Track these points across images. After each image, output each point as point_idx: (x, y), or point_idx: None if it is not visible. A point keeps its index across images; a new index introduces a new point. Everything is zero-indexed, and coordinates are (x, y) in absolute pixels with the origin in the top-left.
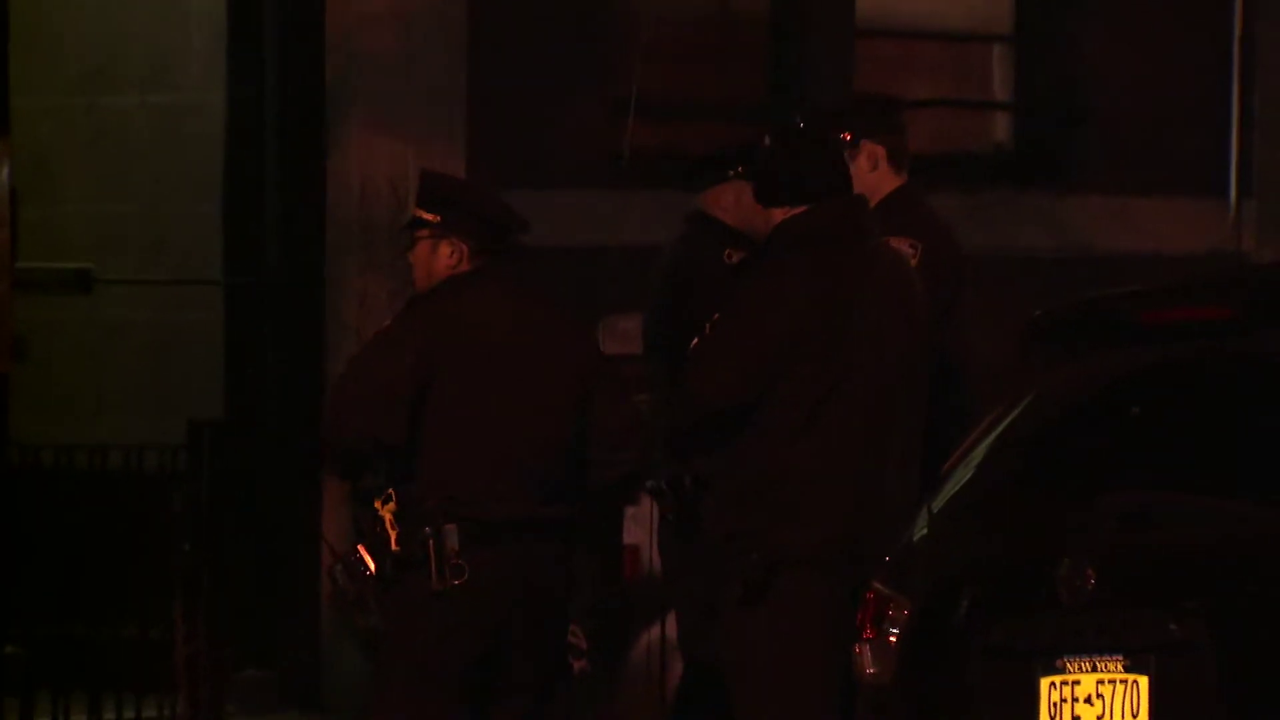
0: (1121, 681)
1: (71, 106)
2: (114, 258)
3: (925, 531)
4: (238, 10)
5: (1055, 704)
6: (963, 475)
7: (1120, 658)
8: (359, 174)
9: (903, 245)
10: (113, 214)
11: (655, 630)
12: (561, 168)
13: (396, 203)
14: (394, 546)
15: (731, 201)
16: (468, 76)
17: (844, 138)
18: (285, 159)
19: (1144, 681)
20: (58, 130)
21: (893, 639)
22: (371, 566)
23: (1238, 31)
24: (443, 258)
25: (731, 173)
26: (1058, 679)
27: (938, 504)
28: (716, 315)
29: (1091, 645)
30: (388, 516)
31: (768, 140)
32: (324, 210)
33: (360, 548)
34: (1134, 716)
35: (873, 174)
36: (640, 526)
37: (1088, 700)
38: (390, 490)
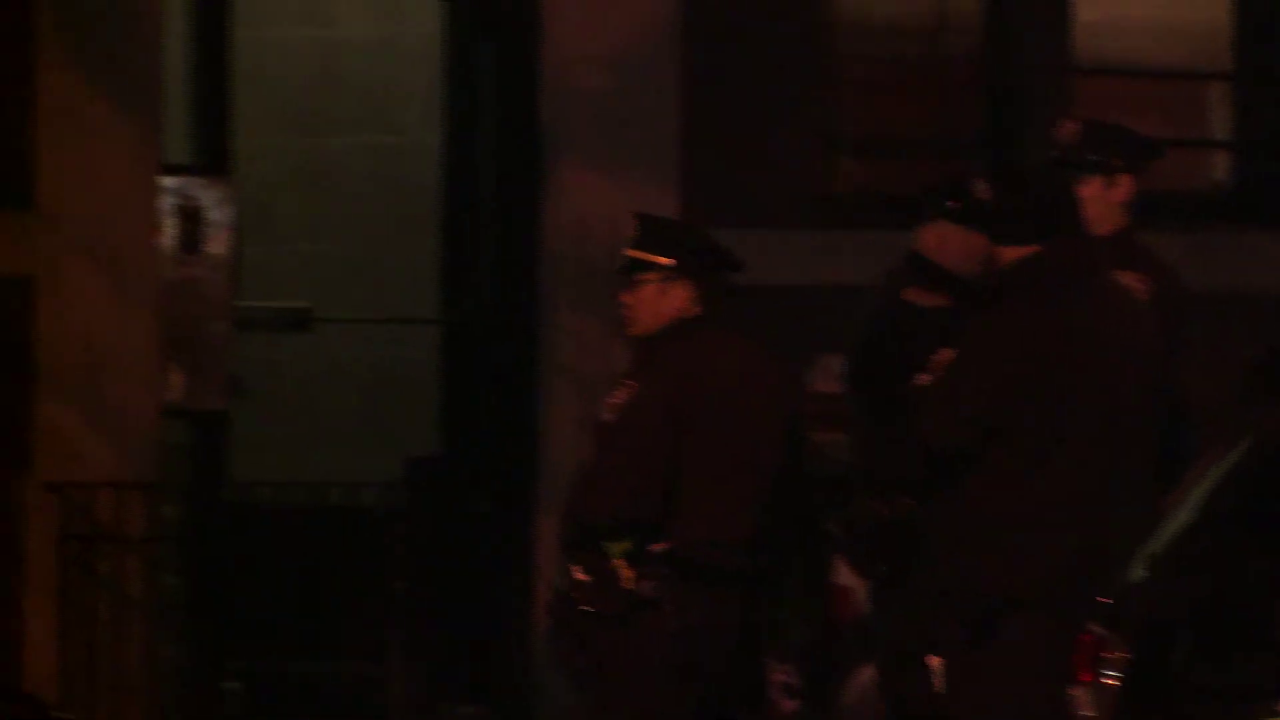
0: None
1: (291, 148)
2: (332, 297)
3: (1143, 573)
4: (454, 52)
5: None
6: (1181, 516)
7: None
8: (574, 214)
9: (1132, 281)
10: (331, 254)
11: (866, 671)
12: (772, 207)
13: (611, 242)
14: (625, 586)
15: (935, 241)
16: (680, 117)
17: (1114, 162)
18: (500, 199)
19: None
20: (278, 171)
21: (1110, 682)
22: (592, 605)
23: None
24: (674, 300)
25: (935, 212)
26: None
27: (1156, 545)
28: (947, 353)
29: None
30: (621, 558)
31: (995, 177)
32: (539, 250)
33: (581, 585)
34: None
35: (1109, 207)
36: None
37: None
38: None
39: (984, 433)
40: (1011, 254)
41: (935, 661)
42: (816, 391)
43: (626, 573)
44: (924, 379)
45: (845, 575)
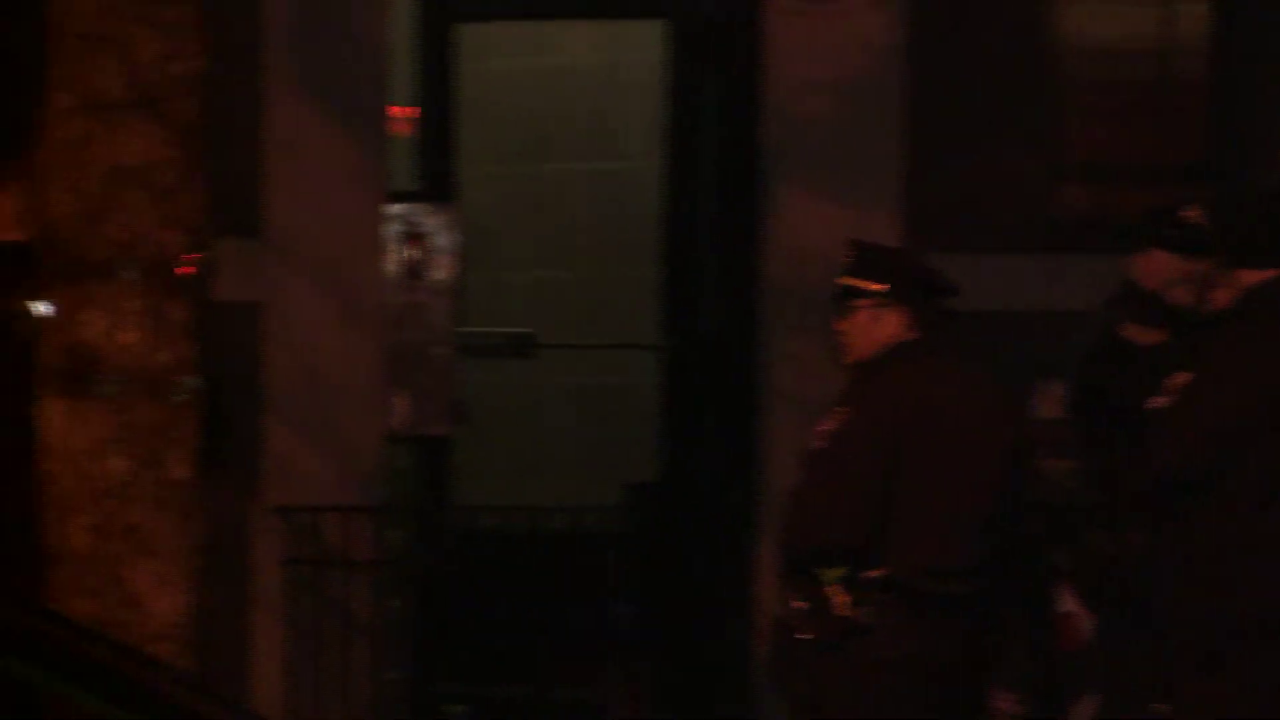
0: None
1: (515, 174)
2: (554, 322)
3: None
4: (676, 79)
5: None
6: None
7: None
8: (795, 239)
9: None
10: (553, 279)
11: (1090, 701)
12: (997, 232)
13: (832, 268)
14: (841, 613)
15: (1150, 269)
16: (903, 142)
17: None
18: (721, 224)
19: None
20: (502, 197)
21: None
22: (808, 632)
23: None
24: (889, 326)
25: (1150, 239)
26: None
27: None
28: (1183, 376)
29: None
30: (835, 584)
31: (1229, 202)
32: (759, 275)
33: (797, 611)
34: None
35: None
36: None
37: None
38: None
39: (1219, 457)
40: (1250, 278)
41: (1163, 709)
42: (1040, 418)
43: (840, 599)
44: (1159, 402)
45: (1071, 604)
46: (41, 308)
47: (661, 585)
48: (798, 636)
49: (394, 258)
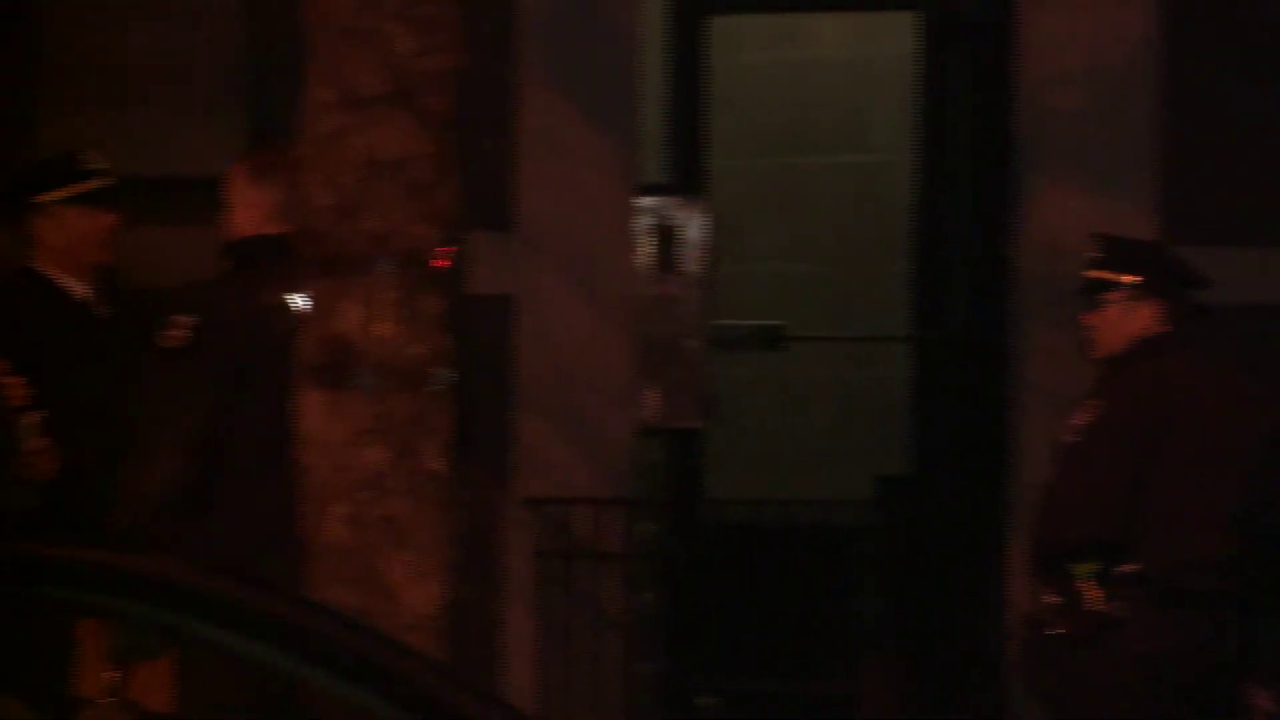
0: None
1: (765, 167)
2: (804, 315)
3: None
4: (928, 71)
5: None
6: None
7: None
8: (1047, 231)
9: None
10: (803, 272)
11: None
12: (1255, 224)
13: (1086, 260)
14: (1093, 608)
15: None
16: (1159, 133)
17: None
18: (973, 217)
19: None
20: (751, 190)
21: None
22: (1059, 627)
23: None
24: (1141, 319)
25: None
26: None
27: None
28: None
29: None
30: (1087, 579)
31: None
32: (1011, 267)
33: (1049, 607)
34: None
35: None
36: None
37: None
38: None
39: None
40: None
41: None
42: None
43: (1093, 594)
44: None
45: None
46: (299, 301)
47: (911, 580)
48: (1049, 632)
49: (645, 250)
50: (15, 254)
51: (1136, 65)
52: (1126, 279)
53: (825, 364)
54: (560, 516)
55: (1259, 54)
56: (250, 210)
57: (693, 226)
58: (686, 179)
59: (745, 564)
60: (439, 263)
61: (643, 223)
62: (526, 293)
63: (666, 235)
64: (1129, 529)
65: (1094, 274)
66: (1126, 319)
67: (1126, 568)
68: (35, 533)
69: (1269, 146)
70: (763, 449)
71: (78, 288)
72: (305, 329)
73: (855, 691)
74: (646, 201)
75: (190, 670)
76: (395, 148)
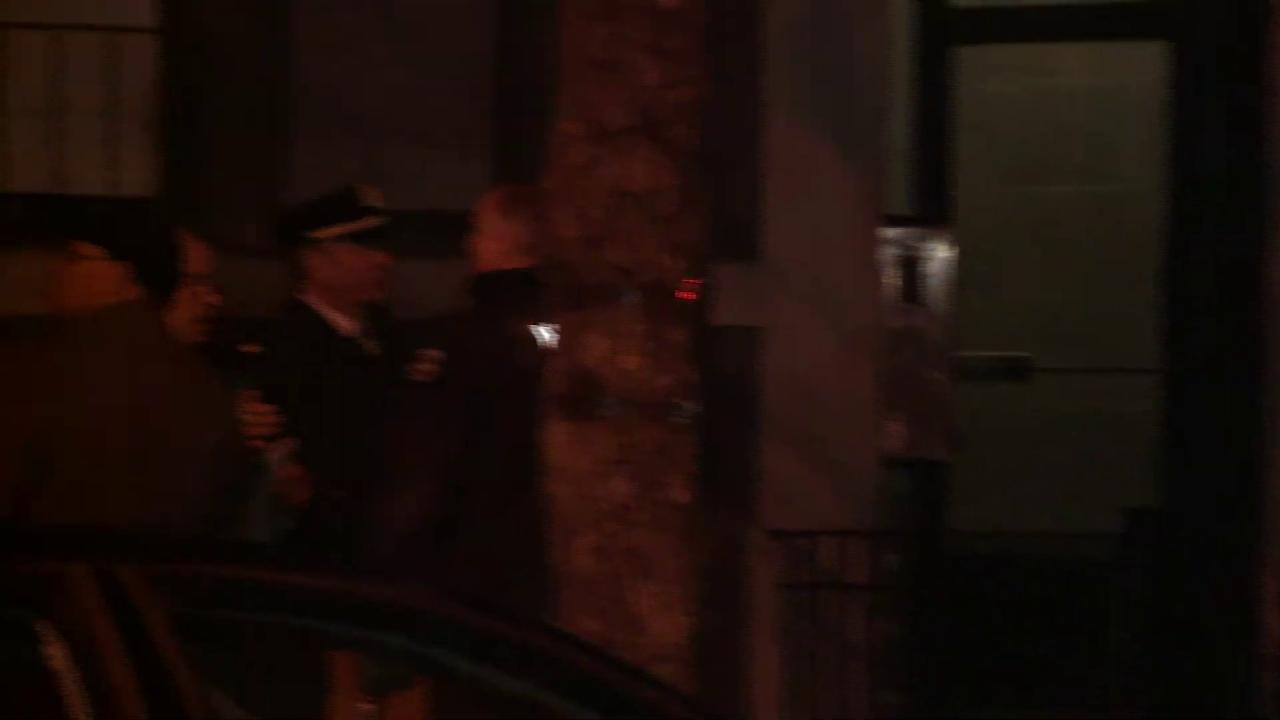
0: None
1: (1011, 197)
2: (1051, 346)
3: None
4: (1178, 101)
5: None
6: None
7: None
8: None
9: None
10: (1051, 303)
11: None
12: None
13: None
14: None
15: None
16: None
17: None
18: (1222, 245)
19: None
20: (998, 220)
21: None
22: None
23: None
24: None
25: None
26: None
27: None
28: None
29: None
30: None
31: None
32: (1262, 298)
33: None
34: None
35: None
36: None
37: None
38: None
39: None
40: None
41: None
42: None
43: None
44: None
45: None
46: (545, 333)
47: (1160, 612)
48: None
49: (890, 281)
50: (288, 286)
51: None
52: None
53: (1072, 395)
54: (805, 548)
55: None
56: (498, 243)
57: (938, 257)
58: (933, 209)
59: (990, 595)
60: (685, 294)
61: (889, 253)
62: (772, 324)
63: (912, 266)
64: None
65: None
66: None
67: None
68: (289, 561)
69: None
70: (1007, 480)
71: (344, 323)
72: (551, 360)
73: None
74: (892, 232)
75: (442, 702)
76: (642, 179)
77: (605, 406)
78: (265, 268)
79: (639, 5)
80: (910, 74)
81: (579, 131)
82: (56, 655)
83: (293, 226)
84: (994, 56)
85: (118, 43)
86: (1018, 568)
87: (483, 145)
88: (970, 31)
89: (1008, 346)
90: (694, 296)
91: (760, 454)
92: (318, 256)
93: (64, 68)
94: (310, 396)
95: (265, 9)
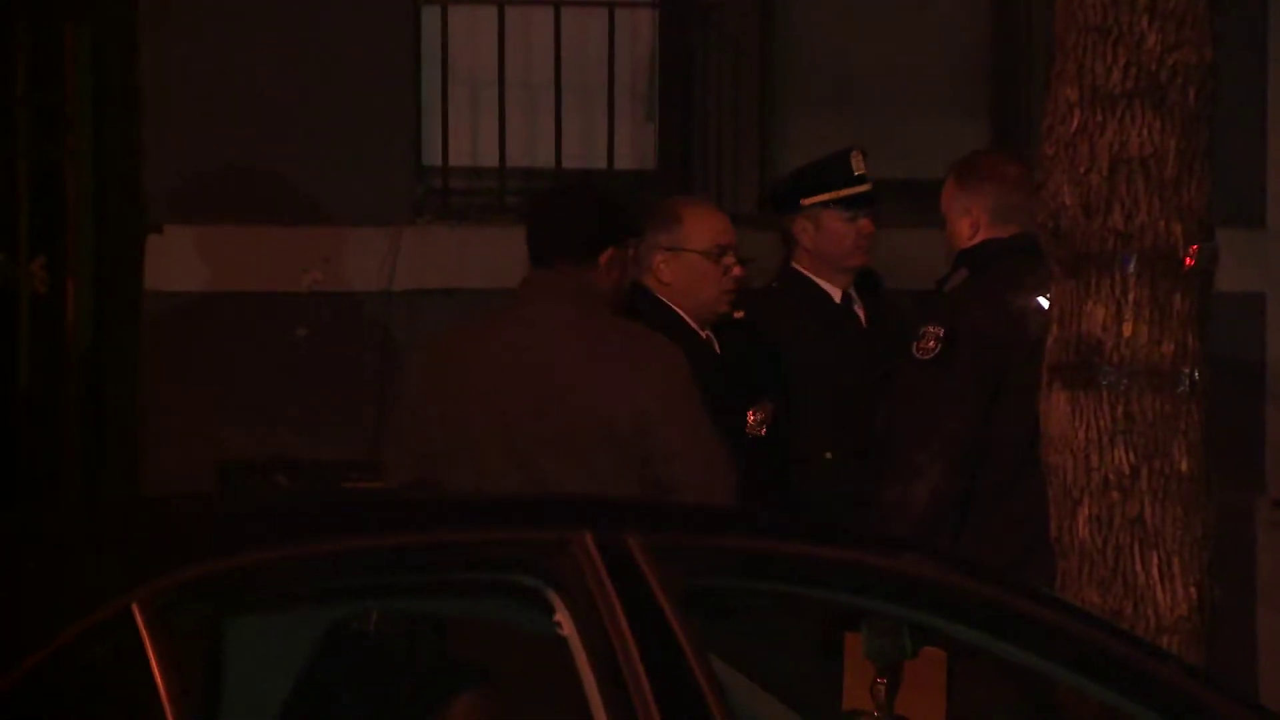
0: None
1: None
2: None
3: None
4: None
5: None
6: None
7: None
8: None
9: None
10: None
11: None
12: None
13: None
14: None
15: None
16: None
17: None
18: None
19: None
20: None
21: None
22: None
23: None
24: None
25: None
26: None
27: None
28: None
29: None
30: None
31: None
32: None
33: None
34: None
35: None
36: None
37: None
38: None
39: None
40: None
41: None
42: None
43: None
44: None
45: None
46: (1041, 301)
47: None
48: None
49: None
50: (780, 252)
51: None
52: None
53: None
54: None
55: None
56: (968, 216)
57: None
58: None
59: None
60: (1188, 260)
61: None
62: (1278, 290)
63: None
64: None
65: None
66: None
67: None
68: (793, 531)
69: None
70: None
71: (834, 291)
72: (1050, 329)
73: None
74: None
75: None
76: (1142, 144)
77: (1106, 375)
78: (760, 239)
79: None
80: None
81: (1076, 97)
82: (565, 624)
83: (784, 194)
84: None
85: (617, 18)
86: None
87: (980, 113)
88: None
89: None
90: (1196, 263)
91: (1265, 422)
92: (804, 223)
93: (563, 43)
94: (804, 363)
95: None
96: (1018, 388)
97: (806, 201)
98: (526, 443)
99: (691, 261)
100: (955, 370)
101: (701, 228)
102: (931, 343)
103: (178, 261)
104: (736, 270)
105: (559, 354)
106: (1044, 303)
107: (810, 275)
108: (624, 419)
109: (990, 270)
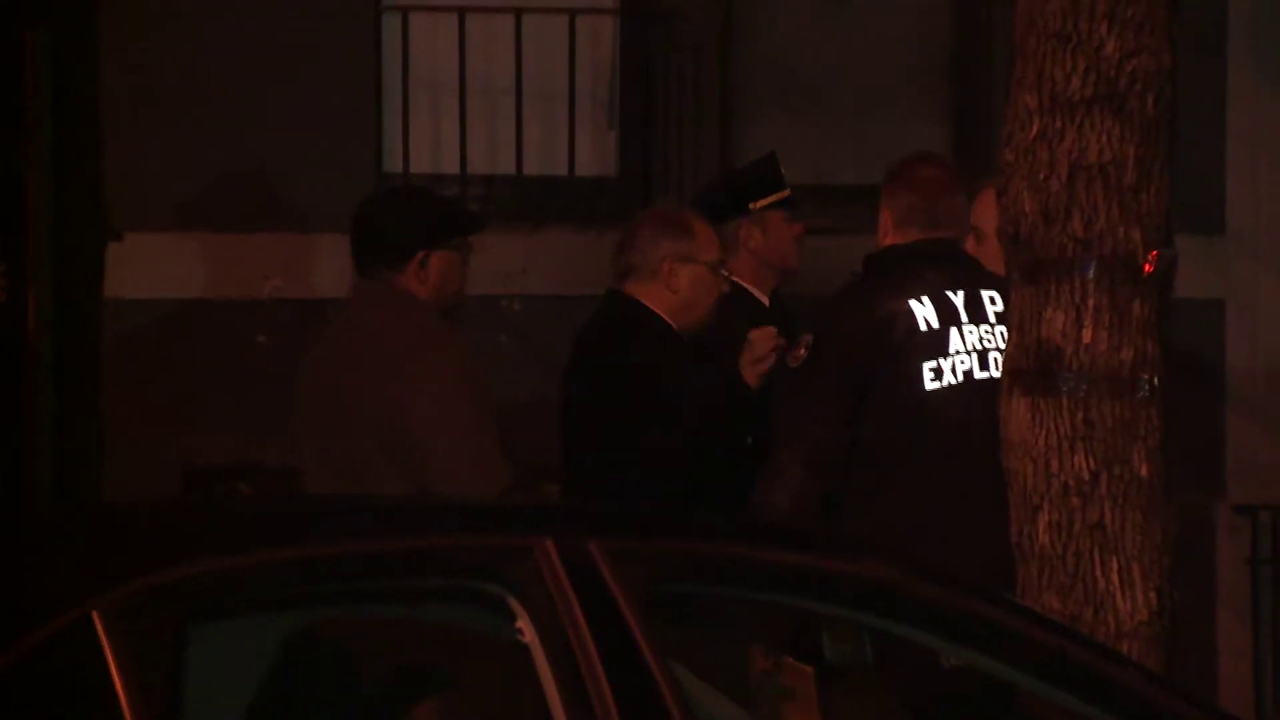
0: None
1: None
2: None
3: None
4: None
5: None
6: None
7: None
8: None
9: None
10: None
11: None
12: None
13: None
14: None
15: None
16: None
17: None
18: None
19: None
20: None
21: None
22: None
23: None
24: None
25: None
26: None
27: None
28: None
29: None
30: None
31: None
32: None
33: None
34: None
35: None
36: None
37: None
38: None
39: None
40: None
41: None
42: None
43: None
44: None
45: None
46: (911, 304)
47: None
48: None
49: None
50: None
51: None
52: None
53: None
54: (1274, 522)
55: None
56: (881, 220)
57: None
58: None
59: None
60: (1145, 267)
61: None
62: (1237, 296)
63: None
64: None
65: None
66: None
67: None
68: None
69: None
70: None
71: (763, 296)
72: (1010, 335)
73: None
74: None
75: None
76: (1101, 151)
77: (1066, 381)
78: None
79: None
80: None
81: (1037, 104)
82: (526, 630)
83: (724, 200)
84: None
85: (578, 24)
86: None
87: (942, 118)
88: None
89: None
90: (1153, 269)
91: (1226, 428)
92: (754, 228)
93: (524, 49)
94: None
95: None
96: (881, 391)
97: (756, 205)
98: (330, 447)
99: (700, 273)
100: (820, 376)
101: (709, 241)
102: (802, 350)
103: (139, 269)
104: (725, 286)
105: (348, 361)
106: (915, 306)
107: (741, 281)
108: (389, 419)
109: (878, 276)
